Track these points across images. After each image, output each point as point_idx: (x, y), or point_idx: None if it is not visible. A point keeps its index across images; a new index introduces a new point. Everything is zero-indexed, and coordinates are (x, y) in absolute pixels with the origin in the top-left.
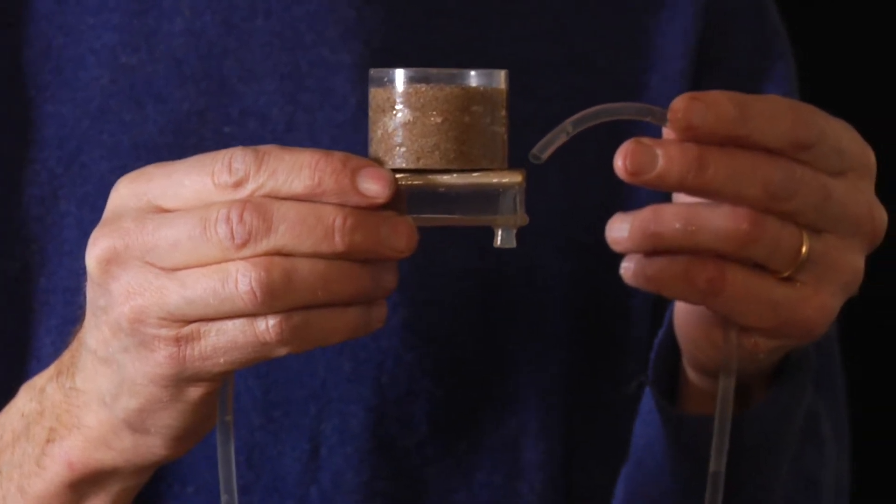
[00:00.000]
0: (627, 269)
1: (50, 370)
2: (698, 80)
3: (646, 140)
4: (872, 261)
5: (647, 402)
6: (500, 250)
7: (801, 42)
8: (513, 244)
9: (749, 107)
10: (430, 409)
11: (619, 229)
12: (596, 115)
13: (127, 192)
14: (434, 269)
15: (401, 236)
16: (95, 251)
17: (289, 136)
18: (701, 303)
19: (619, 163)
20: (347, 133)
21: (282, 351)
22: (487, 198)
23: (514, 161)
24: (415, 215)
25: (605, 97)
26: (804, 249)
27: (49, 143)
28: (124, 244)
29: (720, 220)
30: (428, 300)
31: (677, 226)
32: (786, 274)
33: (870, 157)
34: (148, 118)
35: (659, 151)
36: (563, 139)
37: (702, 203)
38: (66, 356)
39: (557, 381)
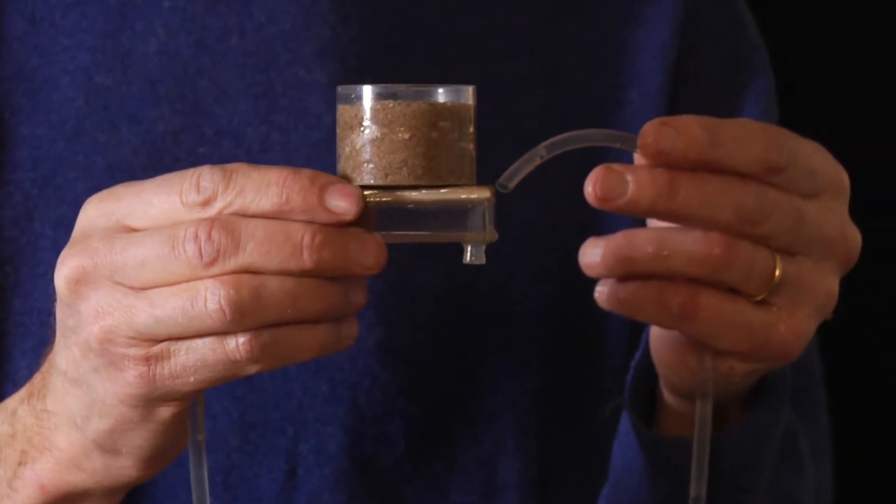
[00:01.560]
0: (601, 293)
1: (21, 392)
2: (675, 96)
3: (616, 166)
4: (850, 274)
5: (625, 423)
6: (474, 269)
7: (787, 48)
8: (482, 261)
9: (719, 131)
10: (406, 428)
11: (592, 254)
12: (566, 141)
13: (95, 212)
14: (409, 289)
15: (369, 253)
16: (64, 271)
17: (263, 156)
18: (674, 327)
19: (590, 188)
20: (322, 153)
21: (252, 369)
22: (456, 214)
23: (486, 179)
24: (383, 232)
25: (580, 114)
26: (777, 273)
27: (23, 165)
28: (93, 264)
29: (692, 244)
30: (404, 320)
31: (650, 250)
32: (760, 297)
33: (843, 177)
34: (122, 139)
35: (629, 177)
36: (531, 167)
37: (674, 227)
38: (37, 378)
39: (533, 400)
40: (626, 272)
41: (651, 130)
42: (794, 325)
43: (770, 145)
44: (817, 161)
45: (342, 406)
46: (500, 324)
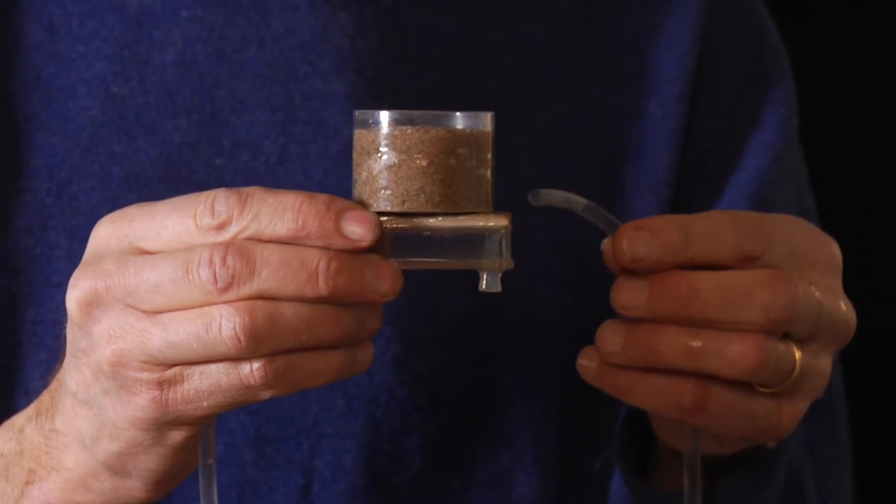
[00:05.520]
0: (587, 367)
1: (29, 410)
2: (695, 105)
3: (635, 281)
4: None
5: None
6: None
7: (809, 54)
8: (497, 288)
9: (692, 229)
10: (423, 444)
11: (613, 343)
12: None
13: (107, 233)
14: (427, 305)
15: (385, 280)
16: (76, 293)
17: (281, 168)
18: (678, 418)
19: (613, 301)
20: (340, 165)
21: (266, 394)
22: (473, 241)
23: (506, 192)
24: (399, 258)
25: (599, 125)
26: (798, 367)
27: (39, 174)
28: (105, 286)
29: (728, 346)
30: (421, 335)
31: (681, 347)
32: (775, 390)
33: (831, 250)
34: (139, 149)
35: (647, 290)
36: (563, 203)
37: (704, 329)
38: (45, 396)
39: (551, 415)
40: (652, 366)
41: (625, 237)
42: (792, 410)
43: (742, 235)
44: (797, 240)
45: (358, 421)
46: (517, 340)
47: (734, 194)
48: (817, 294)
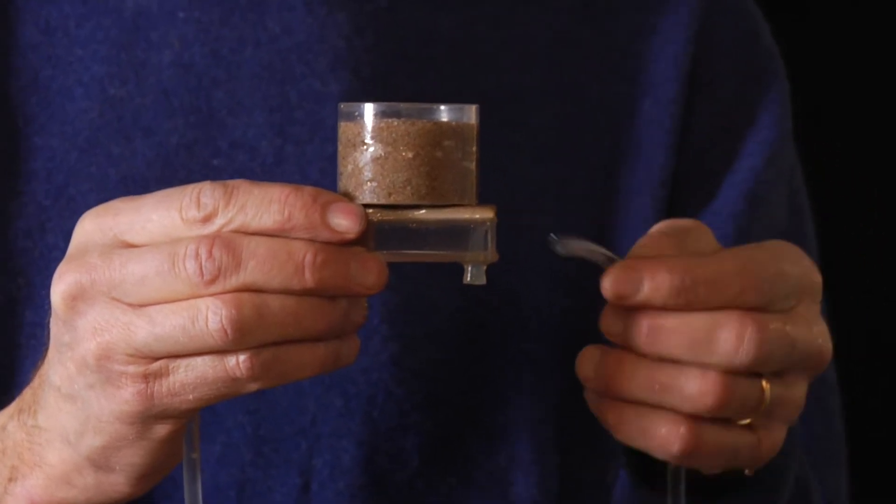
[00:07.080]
0: (591, 400)
1: (11, 408)
2: (690, 105)
3: (618, 310)
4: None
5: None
6: (488, 284)
7: (799, 48)
8: (482, 281)
9: (694, 274)
10: (421, 442)
11: (587, 368)
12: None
13: (92, 227)
14: (423, 304)
15: (370, 273)
16: (60, 286)
17: (278, 168)
18: (664, 458)
19: (600, 323)
20: (336, 165)
21: (252, 386)
22: (458, 234)
23: (501, 190)
24: (384, 251)
25: (597, 125)
26: (766, 400)
27: (37, 176)
28: (90, 280)
29: (687, 384)
30: (418, 334)
31: (646, 382)
32: (745, 422)
33: (815, 277)
34: (136, 151)
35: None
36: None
37: (668, 362)
38: (27, 393)
39: (549, 413)
40: (620, 396)
41: (616, 277)
42: (772, 441)
43: (747, 287)
44: (794, 277)
45: (356, 420)
46: (514, 337)
47: (729, 194)
48: (789, 331)
